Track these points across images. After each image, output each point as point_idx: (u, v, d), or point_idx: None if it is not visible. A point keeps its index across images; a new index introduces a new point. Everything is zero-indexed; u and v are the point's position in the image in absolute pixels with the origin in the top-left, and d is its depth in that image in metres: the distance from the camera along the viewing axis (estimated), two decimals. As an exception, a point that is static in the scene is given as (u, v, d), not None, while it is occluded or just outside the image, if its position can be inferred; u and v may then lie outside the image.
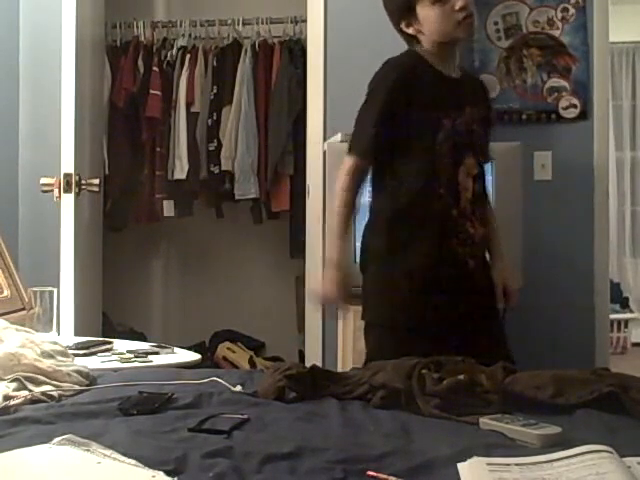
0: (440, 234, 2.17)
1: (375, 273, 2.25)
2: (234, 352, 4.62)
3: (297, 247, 4.34)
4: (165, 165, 4.60)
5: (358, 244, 2.35)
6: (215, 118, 4.53)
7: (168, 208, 4.64)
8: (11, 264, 2.79)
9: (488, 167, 3.03)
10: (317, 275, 3.46)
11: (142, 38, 4.71)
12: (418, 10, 2.18)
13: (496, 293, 2.29)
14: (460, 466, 1.22)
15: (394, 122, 2.15)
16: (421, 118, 2.16)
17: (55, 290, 2.57)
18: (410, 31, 2.22)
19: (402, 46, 2.31)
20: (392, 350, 2.02)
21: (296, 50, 4.49)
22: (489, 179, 3.05)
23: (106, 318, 4.34)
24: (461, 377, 1.64)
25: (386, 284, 2.21)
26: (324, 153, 3.21)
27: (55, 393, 1.71)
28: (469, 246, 2.20)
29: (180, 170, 4.56)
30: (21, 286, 2.74)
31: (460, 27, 2.18)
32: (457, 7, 2.15)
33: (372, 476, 1.20)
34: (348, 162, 2.20)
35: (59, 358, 1.93)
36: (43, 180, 3.14)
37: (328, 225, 2.31)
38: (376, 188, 2.26)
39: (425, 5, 2.17)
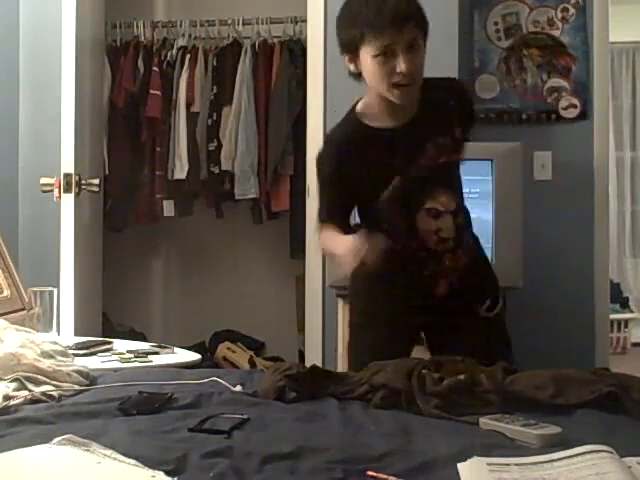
0: (410, 271, 2.14)
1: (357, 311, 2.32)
2: (234, 352, 4.62)
3: (297, 247, 4.34)
4: (165, 165, 4.60)
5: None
6: (215, 118, 4.53)
7: (168, 208, 4.64)
8: (11, 264, 2.79)
9: (488, 167, 3.04)
10: (317, 275, 3.47)
11: (142, 38, 4.71)
12: (361, 53, 2.01)
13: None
14: (460, 466, 1.22)
15: (347, 194, 2.13)
16: (365, 186, 2.10)
17: (55, 290, 2.57)
18: (351, 68, 2.09)
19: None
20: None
21: (296, 50, 4.49)
22: (489, 179, 3.06)
23: (106, 318, 4.34)
24: (461, 377, 1.64)
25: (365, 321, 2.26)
26: (324, 153, 3.20)
27: (55, 393, 1.71)
28: (445, 274, 2.15)
29: (180, 170, 4.56)
30: (21, 286, 2.74)
31: (396, 92, 1.99)
32: (398, 70, 1.95)
33: (372, 476, 1.20)
34: (322, 229, 2.17)
35: (59, 358, 1.93)
36: (43, 180, 3.14)
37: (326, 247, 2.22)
38: None
39: (367, 52, 1.98)
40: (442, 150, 2.09)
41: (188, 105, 4.57)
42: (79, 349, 2.39)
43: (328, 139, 2.22)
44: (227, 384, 1.76)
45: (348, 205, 2.17)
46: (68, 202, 3.14)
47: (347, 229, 2.11)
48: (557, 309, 3.50)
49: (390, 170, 2.08)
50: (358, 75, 2.08)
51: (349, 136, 2.13)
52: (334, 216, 2.15)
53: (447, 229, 2.11)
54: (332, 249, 2.11)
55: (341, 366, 2.99)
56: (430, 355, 2.22)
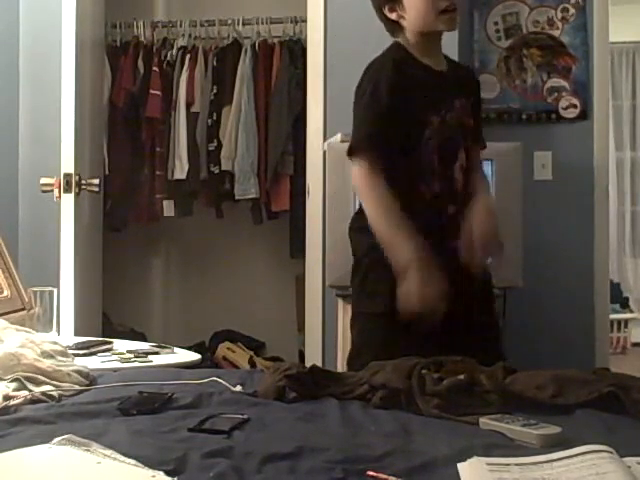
0: (435, 232, 2.05)
1: (366, 265, 2.13)
2: (234, 352, 4.62)
3: (297, 247, 4.34)
4: (165, 165, 4.60)
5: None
6: (215, 118, 4.53)
7: (168, 208, 4.64)
8: (11, 264, 2.79)
9: (488, 167, 3.05)
10: (317, 275, 3.47)
11: (142, 38, 4.71)
12: None
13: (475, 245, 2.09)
14: (460, 466, 1.22)
15: (393, 117, 2.06)
16: (411, 117, 2.08)
17: (55, 290, 2.57)
18: (393, 17, 2.14)
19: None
20: (377, 339, 2.03)
21: (296, 50, 4.49)
22: (489, 179, 3.06)
23: (106, 318, 4.34)
24: (461, 377, 1.64)
25: (376, 275, 2.09)
26: (324, 153, 3.21)
27: (55, 393, 1.71)
28: (457, 236, 2.09)
29: (180, 170, 4.56)
30: (21, 286, 2.74)
31: (442, 18, 2.09)
32: None
33: (372, 476, 1.20)
34: (361, 167, 2.05)
35: (59, 358, 1.93)
36: (43, 180, 3.14)
37: (384, 231, 2.03)
38: None
39: None
40: (465, 111, 2.15)
41: (188, 105, 4.57)
42: (79, 349, 2.39)
43: (384, 61, 2.13)
44: (227, 384, 1.76)
45: (396, 136, 2.06)
46: (68, 202, 3.14)
47: (390, 172, 2.03)
48: (557, 309, 3.50)
49: (432, 110, 2.09)
50: (395, 25, 2.15)
51: (402, 62, 2.13)
52: (378, 146, 2.04)
53: (459, 181, 2.13)
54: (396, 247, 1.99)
55: (341, 366, 2.99)
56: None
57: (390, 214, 2.01)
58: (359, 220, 2.14)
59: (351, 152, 2.08)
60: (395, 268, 1.97)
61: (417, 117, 2.08)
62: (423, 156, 2.08)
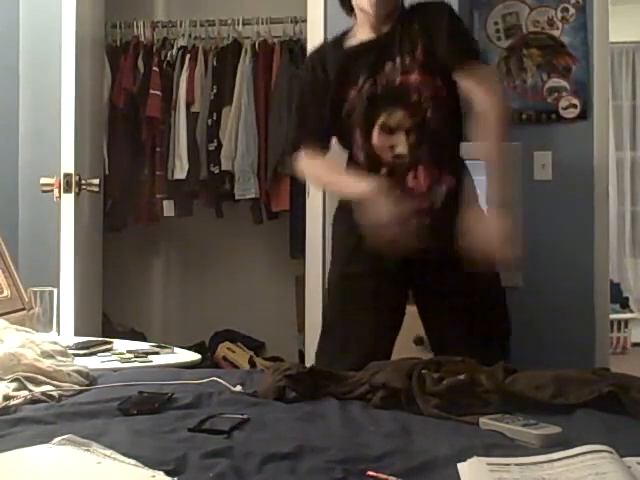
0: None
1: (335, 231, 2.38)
2: (234, 352, 4.62)
3: (297, 247, 4.34)
4: (165, 165, 4.60)
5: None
6: (215, 118, 4.53)
7: (168, 208, 4.64)
8: (11, 264, 2.79)
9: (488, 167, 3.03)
10: (317, 275, 3.47)
11: (142, 38, 4.71)
12: None
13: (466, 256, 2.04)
14: (460, 466, 1.22)
15: (318, 109, 2.23)
16: (331, 96, 2.20)
17: (55, 290, 2.57)
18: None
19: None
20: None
21: (296, 50, 4.49)
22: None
23: (106, 318, 4.34)
24: (461, 377, 1.64)
25: (338, 239, 2.35)
26: (324, 153, 3.21)
27: (55, 393, 1.71)
28: (410, 200, 2.09)
29: (180, 170, 4.56)
30: (21, 286, 2.74)
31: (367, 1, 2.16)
32: None
33: (372, 476, 1.20)
34: (300, 161, 2.28)
35: (59, 358, 1.93)
36: (43, 180, 3.14)
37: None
38: None
39: None
40: (399, 69, 2.15)
41: (188, 105, 4.57)
42: (79, 349, 2.39)
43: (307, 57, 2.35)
44: (227, 384, 1.76)
45: (323, 124, 2.25)
46: (68, 202, 3.14)
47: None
48: (557, 309, 3.50)
49: (348, 85, 2.17)
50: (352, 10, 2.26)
51: (323, 52, 2.31)
52: (313, 137, 2.26)
53: (401, 145, 2.15)
54: (327, 181, 2.35)
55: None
56: (423, 322, 2.27)
57: (329, 172, 2.29)
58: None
59: (292, 152, 2.31)
60: (356, 209, 2.10)
61: (334, 97, 2.20)
62: (347, 130, 2.20)
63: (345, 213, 2.24)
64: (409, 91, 2.15)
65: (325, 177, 2.35)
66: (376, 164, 2.17)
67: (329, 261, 2.43)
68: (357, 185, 2.12)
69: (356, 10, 2.25)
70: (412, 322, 2.32)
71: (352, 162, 2.24)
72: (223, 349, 4.63)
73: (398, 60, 2.16)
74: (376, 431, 1.47)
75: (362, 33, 2.24)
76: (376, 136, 2.16)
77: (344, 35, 2.30)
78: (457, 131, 2.25)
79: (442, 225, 2.12)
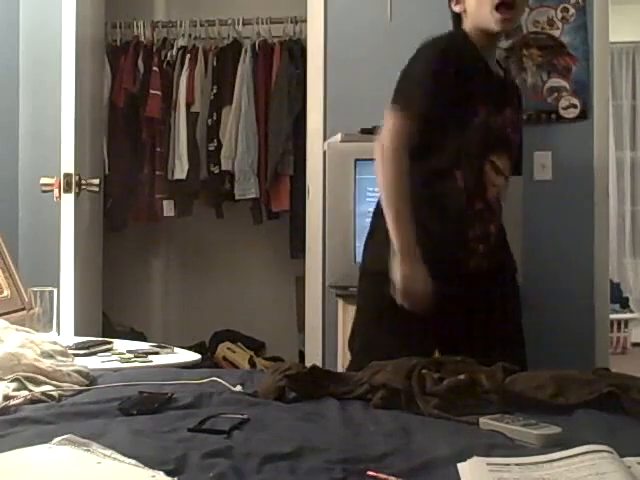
0: (458, 222, 2.10)
1: (381, 250, 2.08)
2: (234, 352, 4.62)
3: (297, 247, 4.34)
4: (165, 165, 4.60)
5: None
6: (215, 118, 4.53)
7: (168, 208, 4.64)
8: (11, 264, 2.79)
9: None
10: (317, 275, 3.47)
11: (142, 38, 4.71)
12: None
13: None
14: (460, 466, 1.22)
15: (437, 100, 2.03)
16: (461, 103, 2.05)
17: (55, 290, 2.57)
18: (456, 9, 2.17)
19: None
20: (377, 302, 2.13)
21: (296, 50, 4.49)
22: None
23: (106, 318, 4.34)
24: (461, 377, 1.64)
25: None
26: (324, 153, 3.21)
27: (55, 393, 1.71)
28: (485, 244, 2.14)
29: (180, 170, 4.56)
30: (21, 286, 2.74)
31: (494, 17, 2.06)
32: None
33: (372, 476, 1.20)
34: (394, 121, 2.02)
35: (59, 358, 1.93)
36: (43, 180, 3.14)
37: (391, 209, 2.03)
38: None
39: None
40: (513, 124, 2.18)
41: (188, 105, 4.57)
42: (79, 349, 2.39)
43: (441, 40, 2.09)
44: (227, 384, 1.76)
45: (433, 109, 2.02)
46: (68, 202, 3.14)
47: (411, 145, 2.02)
48: (557, 309, 3.50)
49: (481, 102, 2.08)
50: (458, 17, 2.17)
51: (462, 46, 2.13)
52: (417, 111, 2.01)
53: (503, 189, 2.18)
54: (397, 232, 2.00)
55: (341, 366, 2.99)
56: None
57: (402, 199, 2.01)
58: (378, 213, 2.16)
59: (396, 103, 2.04)
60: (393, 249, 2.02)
61: (467, 105, 2.07)
62: (464, 144, 2.08)
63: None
64: (512, 143, 2.20)
65: (399, 204, 2.04)
66: (478, 194, 2.12)
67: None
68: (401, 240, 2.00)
69: (472, 27, 2.13)
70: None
71: (451, 176, 2.10)
72: (223, 349, 4.64)
73: (514, 113, 2.19)
74: (376, 431, 1.47)
75: (482, 52, 2.15)
76: (488, 169, 2.13)
77: (466, 40, 2.15)
78: None
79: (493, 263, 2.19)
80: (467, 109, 2.07)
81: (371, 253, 2.23)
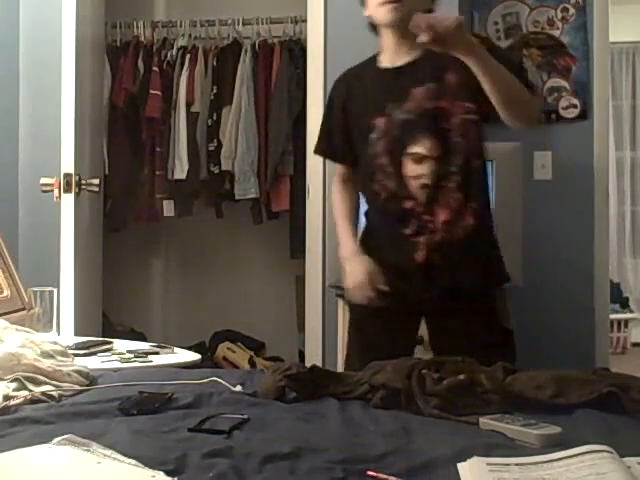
0: (396, 230, 2.14)
1: None
2: (234, 352, 4.62)
3: (297, 247, 4.34)
4: (165, 165, 4.60)
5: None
6: (215, 118, 4.53)
7: (168, 208, 4.64)
8: (11, 264, 2.79)
9: (488, 167, 3.04)
10: (317, 275, 3.47)
11: (142, 38, 4.71)
12: None
13: None
14: (460, 466, 1.22)
15: (340, 131, 2.27)
16: (357, 124, 2.21)
17: (55, 290, 2.57)
18: (366, 14, 2.21)
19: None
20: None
21: (296, 50, 4.49)
22: (489, 179, 3.06)
23: (106, 318, 4.34)
24: (461, 377, 1.64)
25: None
26: (324, 153, 3.21)
27: (55, 393, 1.71)
28: (427, 235, 2.11)
29: (180, 170, 4.56)
30: (21, 286, 2.74)
31: (382, 9, 2.11)
32: None
33: (372, 476, 1.20)
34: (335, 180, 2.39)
35: (59, 358, 1.93)
36: (43, 180, 3.14)
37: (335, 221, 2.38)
38: None
39: None
40: (430, 96, 2.09)
41: (188, 105, 4.57)
42: (79, 349, 2.39)
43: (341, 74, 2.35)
44: (227, 384, 1.76)
45: (348, 144, 2.26)
46: (68, 202, 3.14)
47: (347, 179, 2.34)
48: (557, 309, 3.50)
49: (377, 112, 2.14)
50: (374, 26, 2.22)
51: (358, 71, 2.28)
52: (332, 155, 2.38)
53: (426, 176, 2.10)
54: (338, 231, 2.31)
55: (341, 366, 3.00)
56: (431, 346, 2.24)
57: (339, 215, 2.34)
58: None
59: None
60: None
61: (362, 124, 2.17)
62: (372, 158, 2.16)
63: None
64: (438, 118, 2.10)
65: (338, 220, 2.36)
66: (404, 195, 2.12)
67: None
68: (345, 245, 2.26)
69: (378, 26, 2.20)
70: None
71: (372, 190, 2.19)
72: (223, 349, 4.64)
73: (428, 86, 2.10)
74: (376, 431, 1.47)
75: (391, 55, 2.19)
76: (406, 165, 2.12)
77: (376, 54, 2.24)
78: (483, 158, 2.18)
79: (465, 258, 2.13)
80: (363, 128, 2.17)
81: None
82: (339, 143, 2.29)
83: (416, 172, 2.10)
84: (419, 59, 2.14)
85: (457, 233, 2.10)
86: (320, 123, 2.37)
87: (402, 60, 2.16)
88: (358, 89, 2.24)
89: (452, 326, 2.15)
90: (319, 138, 2.38)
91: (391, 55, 2.19)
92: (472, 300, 2.14)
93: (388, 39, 2.18)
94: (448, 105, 2.09)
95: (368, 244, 2.24)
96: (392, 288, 2.14)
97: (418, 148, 2.10)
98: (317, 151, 2.45)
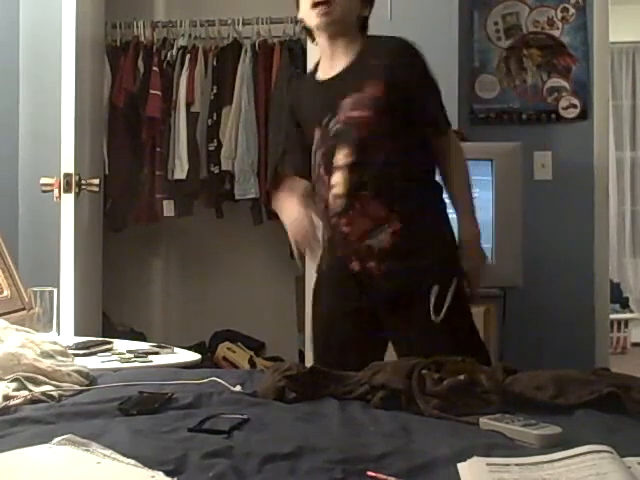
0: (328, 242, 2.21)
1: None
2: (234, 352, 4.62)
3: (297, 247, 4.34)
4: (165, 165, 4.60)
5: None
6: (215, 118, 4.53)
7: (168, 208, 4.64)
8: (11, 264, 2.79)
9: (488, 167, 3.04)
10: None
11: (142, 38, 4.71)
12: None
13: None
14: (460, 466, 1.22)
15: (299, 146, 2.29)
16: (304, 134, 2.25)
17: (55, 290, 2.57)
18: (298, 16, 2.24)
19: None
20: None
21: (296, 50, 4.49)
22: (489, 179, 3.06)
23: (106, 318, 4.34)
24: (461, 377, 1.64)
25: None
26: (324, 153, 3.21)
27: (55, 393, 1.71)
28: (348, 247, 2.13)
29: (180, 170, 4.56)
30: (21, 286, 2.74)
31: (313, 13, 2.11)
32: None
33: (372, 476, 1.20)
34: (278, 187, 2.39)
35: (59, 358, 1.93)
36: (43, 180, 3.14)
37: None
38: None
39: None
40: (353, 106, 2.10)
41: (188, 105, 4.57)
42: (79, 349, 2.39)
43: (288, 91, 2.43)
44: (227, 384, 1.76)
45: (298, 156, 2.30)
46: (68, 202, 3.14)
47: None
48: (557, 309, 3.50)
49: (316, 123, 2.17)
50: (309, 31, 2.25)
51: (300, 85, 2.37)
52: (288, 165, 2.37)
53: (339, 185, 2.11)
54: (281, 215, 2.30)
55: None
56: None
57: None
58: None
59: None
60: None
61: (307, 136, 2.22)
62: (314, 169, 2.19)
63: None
64: (353, 128, 2.10)
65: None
66: (333, 208, 2.15)
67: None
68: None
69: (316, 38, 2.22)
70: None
71: (318, 200, 2.22)
72: (223, 349, 4.63)
73: (352, 96, 2.11)
74: (376, 431, 1.47)
75: (325, 66, 2.22)
76: (339, 176, 2.12)
77: (312, 72, 2.30)
78: (416, 164, 2.16)
79: (393, 266, 2.11)
80: (307, 140, 2.22)
81: None
82: (299, 158, 2.31)
83: (333, 181, 2.13)
84: (345, 70, 2.17)
85: (384, 239, 2.09)
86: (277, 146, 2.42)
87: (335, 69, 2.18)
88: (302, 102, 2.29)
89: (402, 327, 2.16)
90: (281, 160, 2.44)
91: (326, 61, 2.21)
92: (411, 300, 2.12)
93: (322, 43, 2.20)
94: (368, 114, 2.09)
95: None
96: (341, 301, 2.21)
97: (338, 158, 2.12)
98: (283, 170, 2.45)
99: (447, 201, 2.21)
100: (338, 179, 2.10)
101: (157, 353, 2.51)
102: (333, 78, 2.18)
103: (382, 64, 2.11)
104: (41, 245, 3.61)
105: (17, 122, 3.77)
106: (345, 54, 2.16)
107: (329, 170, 2.13)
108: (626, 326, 6.12)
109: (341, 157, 2.10)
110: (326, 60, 2.21)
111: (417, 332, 2.11)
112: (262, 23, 4.63)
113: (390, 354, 2.19)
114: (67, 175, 3.13)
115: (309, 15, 2.14)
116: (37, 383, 1.74)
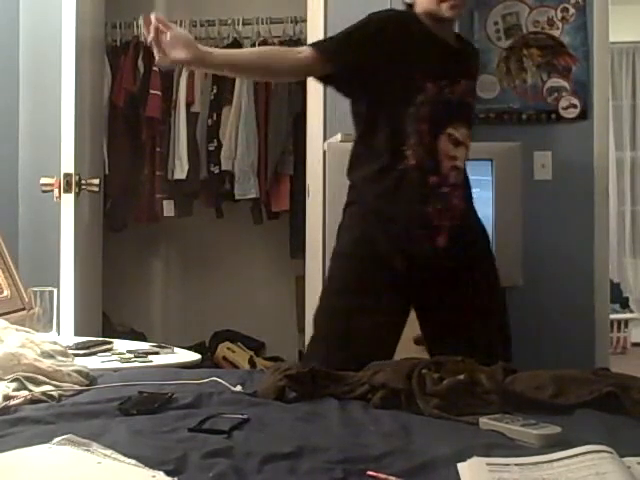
0: (414, 201, 2.13)
1: (352, 217, 2.26)
2: (234, 352, 4.62)
3: (297, 247, 4.34)
4: (165, 165, 4.60)
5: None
6: (215, 118, 4.53)
7: (168, 208, 4.64)
8: (11, 264, 2.79)
9: (488, 167, 3.05)
10: (317, 275, 3.46)
11: (142, 38, 4.70)
12: None
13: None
14: (460, 466, 1.22)
15: (372, 72, 2.10)
16: (403, 75, 2.11)
17: (55, 290, 2.57)
18: (408, 0, 2.23)
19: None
20: (353, 277, 2.17)
21: (296, 50, 4.48)
22: (489, 179, 3.07)
23: (106, 318, 4.34)
24: (461, 377, 1.64)
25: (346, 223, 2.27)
26: (324, 153, 3.21)
27: (55, 393, 1.71)
28: (448, 218, 2.15)
29: (180, 170, 4.56)
30: (21, 286, 2.74)
31: (443, 5, 2.15)
32: None
33: (372, 476, 1.20)
34: (306, 52, 2.11)
35: (59, 358, 1.93)
36: (43, 180, 3.14)
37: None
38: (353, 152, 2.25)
39: None
40: (468, 93, 2.23)
41: (188, 105, 4.57)
42: (79, 349, 2.40)
43: (385, 10, 2.23)
44: (227, 384, 1.76)
45: (352, 59, 2.09)
46: (68, 202, 3.14)
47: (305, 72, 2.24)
48: (557, 309, 3.50)
49: (429, 77, 2.12)
50: (411, 7, 2.22)
51: (407, 18, 2.20)
52: (328, 51, 2.10)
53: (461, 160, 2.18)
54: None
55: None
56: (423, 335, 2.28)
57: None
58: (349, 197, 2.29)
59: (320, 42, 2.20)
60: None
61: (411, 78, 2.11)
62: (414, 120, 2.12)
63: (358, 217, 2.23)
64: (471, 113, 2.28)
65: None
66: (432, 168, 2.13)
67: (329, 261, 2.42)
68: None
69: (424, 14, 2.19)
70: (412, 322, 2.32)
71: (400, 154, 2.13)
72: (223, 349, 4.63)
73: (470, 81, 2.26)
74: (376, 431, 1.47)
75: (435, 30, 2.19)
76: (443, 143, 2.15)
77: (416, 16, 2.21)
78: None
79: (463, 238, 2.19)
80: (411, 86, 2.11)
81: (341, 237, 2.31)
82: (351, 61, 2.09)
83: (452, 153, 2.16)
84: (461, 50, 2.28)
85: (469, 219, 2.25)
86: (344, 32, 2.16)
87: (452, 43, 2.23)
88: (409, 39, 2.14)
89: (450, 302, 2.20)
90: (330, 39, 2.22)
91: (439, 31, 2.19)
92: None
93: (436, 22, 2.19)
94: (473, 105, 2.30)
95: (379, 212, 2.18)
96: (400, 266, 2.14)
97: (456, 132, 2.16)
98: (318, 46, 2.14)
99: None
100: (462, 154, 2.18)
101: (157, 353, 2.52)
102: (454, 47, 2.25)
103: (475, 65, 2.39)
104: (41, 245, 3.61)
105: (17, 122, 3.77)
106: (450, 34, 2.26)
107: (435, 132, 2.13)
108: (626, 326, 6.11)
109: (464, 133, 2.18)
110: (432, 27, 2.19)
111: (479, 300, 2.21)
112: (262, 23, 4.63)
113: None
114: (67, 175, 3.13)
115: (437, 6, 2.15)
116: (37, 383, 1.74)
